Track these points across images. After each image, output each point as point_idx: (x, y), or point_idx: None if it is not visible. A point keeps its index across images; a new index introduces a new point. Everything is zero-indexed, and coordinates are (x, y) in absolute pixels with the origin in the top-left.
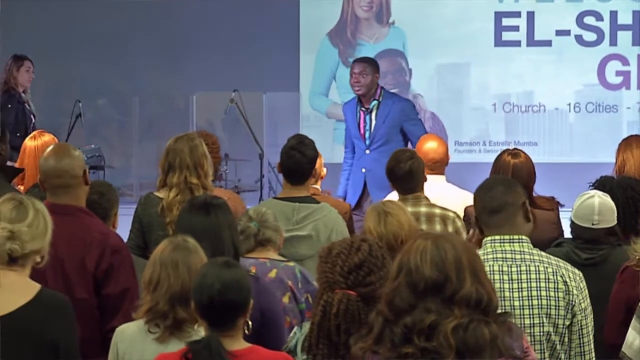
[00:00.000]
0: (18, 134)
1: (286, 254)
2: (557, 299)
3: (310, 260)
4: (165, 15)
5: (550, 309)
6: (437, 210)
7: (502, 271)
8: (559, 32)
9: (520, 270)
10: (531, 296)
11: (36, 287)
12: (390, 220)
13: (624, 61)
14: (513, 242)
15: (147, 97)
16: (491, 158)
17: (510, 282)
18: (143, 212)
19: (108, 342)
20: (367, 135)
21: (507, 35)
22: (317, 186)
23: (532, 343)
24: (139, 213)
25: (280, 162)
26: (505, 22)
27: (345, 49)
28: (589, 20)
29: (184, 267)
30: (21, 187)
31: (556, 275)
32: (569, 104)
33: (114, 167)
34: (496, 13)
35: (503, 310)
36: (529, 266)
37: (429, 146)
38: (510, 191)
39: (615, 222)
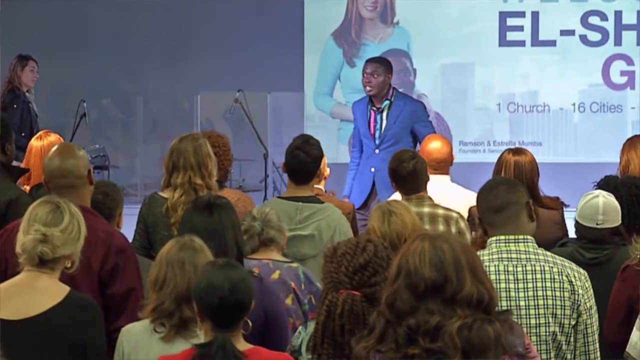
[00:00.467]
0: (23, 134)
1: (289, 254)
2: (562, 298)
3: (313, 260)
4: (169, 15)
5: (556, 308)
6: (441, 211)
7: (508, 271)
8: (564, 32)
9: (526, 270)
10: (537, 296)
11: (65, 289)
12: (394, 220)
13: (629, 61)
14: (518, 242)
15: (152, 97)
16: (495, 158)
17: (516, 282)
18: (147, 213)
19: (113, 342)
20: (377, 134)
21: (511, 35)
22: (321, 186)
23: (538, 343)
24: (144, 213)
25: (284, 161)
26: (510, 22)
27: (349, 49)
28: (594, 20)
29: (190, 266)
30: (27, 187)
31: (561, 275)
32: (574, 104)
33: (118, 167)
34: (501, 13)
35: (504, 309)
36: (534, 266)
37: (433, 146)
38: (513, 190)
39: (620, 221)
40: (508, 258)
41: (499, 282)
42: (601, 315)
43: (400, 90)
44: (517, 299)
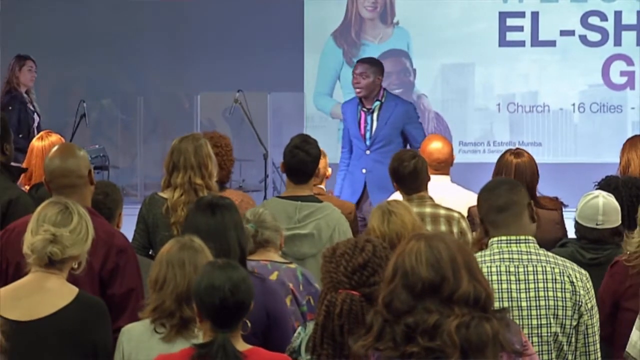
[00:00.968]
0: (20, 135)
1: (288, 253)
2: (564, 299)
3: (312, 259)
4: (169, 15)
5: (557, 309)
6: (442, 211)
7: (509, 272)
8: (564, 32)
9: (527, 271)
10: (538, 297)
11: (74, 290)
12: (394, 220)
13: (629, 61)
14: (519, 243)
15: (152, 97)
16: (495, 158)
17: (518, 282)
18: (148, 213)
19: (114, 342)
20: (367, 135)
21: (511, 36)
22: (322, 186)
23: (540, 344)
24: (144, 213)
25: (283, 161)
26: (510, 22)
27: (349, 49)
28: (594, 20)
29: (190, 266)
30: (27, 188)
31: (563, 275)
32: (574, 104)
33: (118, 167)
34: (500, 13)
35: (501, 307)
36: (536, 267)
37: (434, 146)
38: (515, 190)
39: (620, 222)
40: (509, 258)
41: (501, 283)
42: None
43: (398, 90)
44: (519, 299)
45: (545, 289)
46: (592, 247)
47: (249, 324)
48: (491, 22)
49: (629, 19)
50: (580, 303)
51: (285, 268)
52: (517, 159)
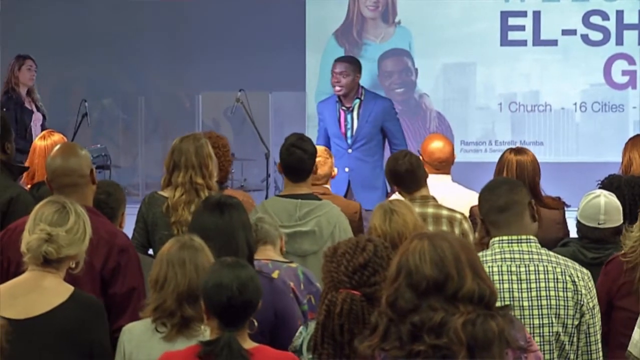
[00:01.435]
0: (18, 136)
1: (289, 250)
2: (566, 299)
3: (313, 256)
4: (171, 15)
5: (559, 309)
6: (445, 212)
7: (511, 271)
8: (565, 32)
9: (529, 271)
10: (540, 296)
11: (70, 288)
12: (395, 219)
13: (630, 60)
14: (521, 242)
15: (153, 96)
16: (497, 158)
17: (519, 282)
18: (147, 211)
19: (115, 342)
20: (348, 134)
21: (513, 35)
22: (328, 186)
23: (542, 343)
24: (143, 212)
25: (280, 160)
26: (511, 21)
27: (351, 49)
28: (595, 19)
29: (191, 265)
30: (29, 187)
31: (565, 275)
32: (575, 104)
33: (119, 167)
34: (502, 12)
35: (504, 304)
36: (538, 266)
37: (435, 145)
38: (516, 190)
39: (622, 221)
40: (511, 258)
41: (502, 283)
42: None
43: (400, 90)
44: (521, 299)
45: (547, 289)
46: (594, 247)
47: (256, 323)
48: (493, 22)
49: (630, 18)
50: (582, 302)
51: (286, 267)
52: (518, 156)
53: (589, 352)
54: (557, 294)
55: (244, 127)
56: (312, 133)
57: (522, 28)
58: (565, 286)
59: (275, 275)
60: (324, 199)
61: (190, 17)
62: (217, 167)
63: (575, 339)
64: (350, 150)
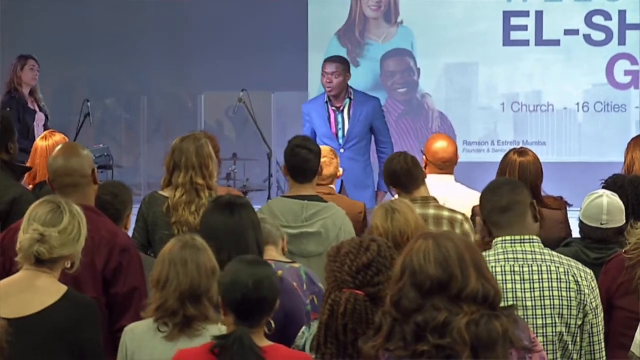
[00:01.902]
0: (21, 136)
1: (295, 251)
2: (569, 299)
3: (319, 258)
4: (173, 15)
5: (562, 309)
6: (446, 213)
7: (514, 271)
8: (568, 32)
9: (532, 271)
10: (543, 296)
11: (63, 288)
12: (397, 217)
13: (633, 61)
14: (524, 243)
15: (156, 96)
16: (499, 158)
17: (522, 282)
18: (148, 211)
19: (117, 341)
20: (340, 134)
21: (515, 35)
22: (333, 186)
23: (545, 344)
24: (144, 212)
25: (285, 162)
26: (514, 21)
27: (353, 49)
28: (598, 19)
29: (192, 264)
30: (32, 187)
31: (568, 275)
32: (578, 104)
33: (122, 167)
34: (505, 12)
35: (508, 305)
36: (541, 266)
37: (439, 146)
38: (518, 191)
39: (624, 221)
40: (514, 258)
41: (506, 283)
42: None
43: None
44: (524, 299)
45: (550, 289)
46: (597, 247)
47: (273, 324)
48: (495, 22)
49: (633, 18)
50: (585, 302)
51: (289, 267)
52: (521, 158)
53: (592, 352)
54: (560, 294)
55: (247, 127)
56: None
57: (524, 28)
58: (568, 286)
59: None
60: (329, 201)
61: (193, 17)
62: (217, 167)
63: (578, 339)
64: (342, 150)
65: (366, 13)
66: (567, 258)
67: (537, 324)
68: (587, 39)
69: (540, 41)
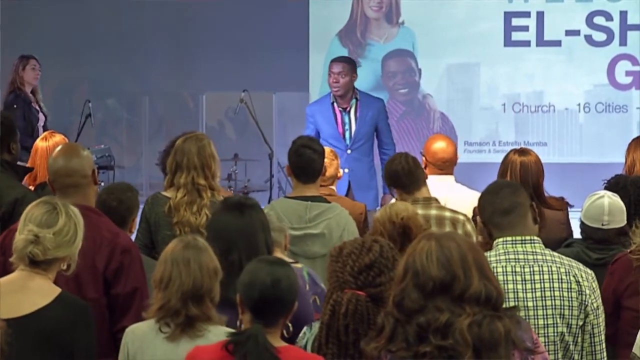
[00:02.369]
0: (26, 134)
1: (299, 252)
2: (570, 299)
3: (323, 259)
4: (174, 15)
5: (563, 309)
6: (447, 213)
7: (515, 272)
8: (569, 32)
9: (533, 271)
10: (544, 297)
11: (56, 290)
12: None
13: (634, 61)
14: (525, 243)
15: (157, 96)
16: (500, 158)
17: (523, 282)
18: (150, 212)
19: (118, 342)
20: (346, 135)
21: (516, 35)
22: (333, 187)
23: (546, 344)
24: (146, 212)
25: (289, 163)
26: (515, 22)
27: (354, 49)
28: (599, 20)
29: (195, 264)
30: (33, 188)
31: (569, 275)
32: (579, 104)
33: (123, 167)
34: (506, 13)
35: (511, 306)
36: (542, 267)
37: (438, 146)
38: (518, 192)
39: (625, 222)
40: (515, 259)
41: (507, 283)
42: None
43: (404, 90)
44: (525, 299)
45: (551, 289)
46: (598, 248)
47: (291, 327)
48: (496, 22)
49: (634, 18)
50: (586, 303)
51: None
52: (522, 157)
53: (594, 353)
54: (561, 294)
55: (248, 127)
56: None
57: (525, 29)
58: (569, 286)
59: None
60: (331, 201)
61: (194, 17)
62: (219, 166)
63: (579, 339)
64: (349, 151)
65: (367, 13)
66: (567, 258)
67: (538, 324)
68: (588, 39)
69: (541, 42)
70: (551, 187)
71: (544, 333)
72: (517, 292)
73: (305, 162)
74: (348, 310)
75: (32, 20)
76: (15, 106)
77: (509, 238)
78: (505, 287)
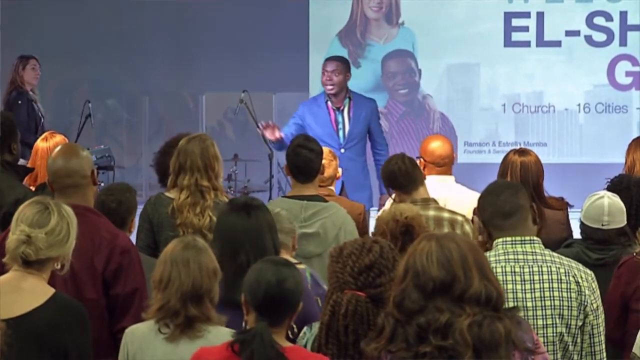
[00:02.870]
0: (29, 131)
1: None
2: (569, 299)
3: (318, 258)
4: (174, 15)
5: (563, 309)
6: (446, 214)
7: (514, 272)
8: (569, 33)
9: (533, 271)
10: (544, 297)
11: (50, 291)
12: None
13: (634, 61)
14: (524, 243)
15: (157, 97)
16: (500, 159)
17: (523, 282)
18: (153, 212)
19: (118, 343)
20: (340, 134)
21: (516, 36)
22: (332, 187)
23: (545, 344)
24: (149, 213)
25: (287, 162)
26: (515, 22)
27: (354, 50)
28: (599, 20)
29: (194, 264)
30: (33, 188)
31: (568, 275)
32: (579, 105)
33: (123, 167)
34: (506, 13)
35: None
36: (541, 267)
37: (435, 144)
38: (519, 194)
39: (625, 222)
40: (514, 259)
41: (506, 283)
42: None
43: (404, 90)
44: (524, 299)
45: (551, 289)
46: (598, 248)
47: (295, 328)
48: (496, 23)
49: (634, 19)
50: (585, 303)
51: None
52: (522, 157)
53: (593, 353)
54: (560, 295)
55: (248, 127)
56: None
57: (525, 29)
58: (569, 287)
59: None
60: (330, 201)
61: (194, 17)
62: (222, 166)
63: (579, 340)
64: (343, 150)
65: (367, 14)
66: (567, 259)
67: (537, 325)
68: (588, 39)
69: (541, 42)
70: (551, 188)
71: (543, 333)
72: (517, 292)
73: (303, 162)
74: (348, 311)
75: (32, 20)
76: (19, 102)
77: (508, 238)
78: (505, 287)
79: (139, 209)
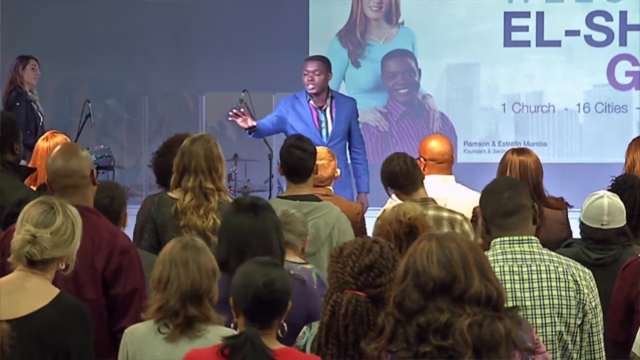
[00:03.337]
0: (29, 132)
1: None
2: (568, 298)
3: (311, 258)
4: (174, 15)
5: (561, 308)
6: (445, 214)
7: (513, 271)
8: (569, 32)
9: (531, 270)
10: (542, 296)
11: (54, 291)
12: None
13: (634, 61)
14: (522, 243)
15: (157, 97)
16: (500, 158)
17: (521, 282)
18: (157, 213)
19: (117, 343)
20: (323, 132)
21: (516, 36)
22: (330, 187)
23: (544, 343)
24: (153, 213)
25: (281, 162)
26: (515, 22)
27: (354, 50)
28: (599, 20)
29: (193, 264)
30: (35, 188)
31: (567, 274)
32: (579, 104)
33: (123, 167)
34: (506, 13)
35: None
36: (540, 266)
37: (433, 143)
38: (521, 193)
39: (625, 222)
40: (513, 258)
41: (505, 283)
42: (607, 316)
43: (404, 90)
44: (523, 299)
45: (549, 288)
46: (598, 248)
47: (286, 327)
48: (496, 22)
49: (634, 19)
50: (584, 302)
51: (301, 268)
52: (521, 157)
53: (592, 352)
54: (559, 294)
55: None
56: None
57: (525, 29)
58: (567, 285)
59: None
60: (328, 201)
61: (194, 17)
62: (226, 167)
63: (578, 339)
64: None
65: (367, 14)
66: (565, 258)
67: (536, 324)
68: (588, 39)
69: (541, 42)
70: (551, 187)
71: (542, 332)
72: (515, 291)
73: (296, 162)
74: (348, 311)
75: (32, 20)
76: (18, 104)
77: (506, 238)
78: (503, 287)
79: (138, 208)
